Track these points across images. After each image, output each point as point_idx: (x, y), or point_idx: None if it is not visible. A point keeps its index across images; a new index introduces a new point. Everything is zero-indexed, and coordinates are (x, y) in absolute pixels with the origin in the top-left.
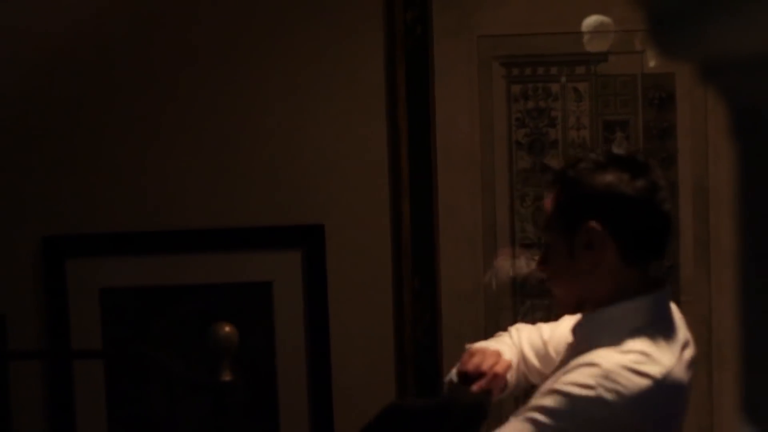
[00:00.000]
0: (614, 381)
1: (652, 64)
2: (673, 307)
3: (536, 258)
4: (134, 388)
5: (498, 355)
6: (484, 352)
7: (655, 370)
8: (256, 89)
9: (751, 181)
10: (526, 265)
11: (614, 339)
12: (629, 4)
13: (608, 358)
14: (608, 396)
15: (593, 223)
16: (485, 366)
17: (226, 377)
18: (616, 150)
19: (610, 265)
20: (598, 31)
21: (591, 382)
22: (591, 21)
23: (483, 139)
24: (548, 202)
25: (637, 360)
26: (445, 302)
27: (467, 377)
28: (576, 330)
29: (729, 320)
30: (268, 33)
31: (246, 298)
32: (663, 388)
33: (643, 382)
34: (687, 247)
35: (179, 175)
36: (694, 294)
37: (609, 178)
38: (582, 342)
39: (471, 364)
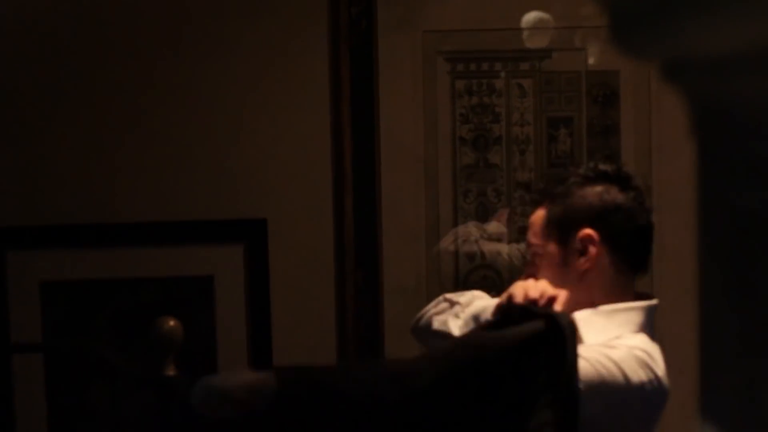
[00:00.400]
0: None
1: (591, 61)
2: None
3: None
4: (75, 383)
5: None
6: (524, 284)
7: (658, 371)
8: (199, 83)
9: (710, 179)
10: (496, 227)
11: (610, 335)
12: (574, 2)
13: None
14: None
15: (587, 230)
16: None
17: (170, 371)
18: (602, 166)
19: (602, 271)
20: (537, 27)
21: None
22: (530, 17)
23: (427, 134)
24: (537, 217)
25: (644, 357)
26: (387, 297)
27: (533, 305)
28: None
29: (669, 319)
30: (211, 26)
31: (188, 292)
32: (663, 389)
33: (651, 377)
34: None
35: (121, 167)
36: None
37: (599, 189)
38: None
39: (531, 294)
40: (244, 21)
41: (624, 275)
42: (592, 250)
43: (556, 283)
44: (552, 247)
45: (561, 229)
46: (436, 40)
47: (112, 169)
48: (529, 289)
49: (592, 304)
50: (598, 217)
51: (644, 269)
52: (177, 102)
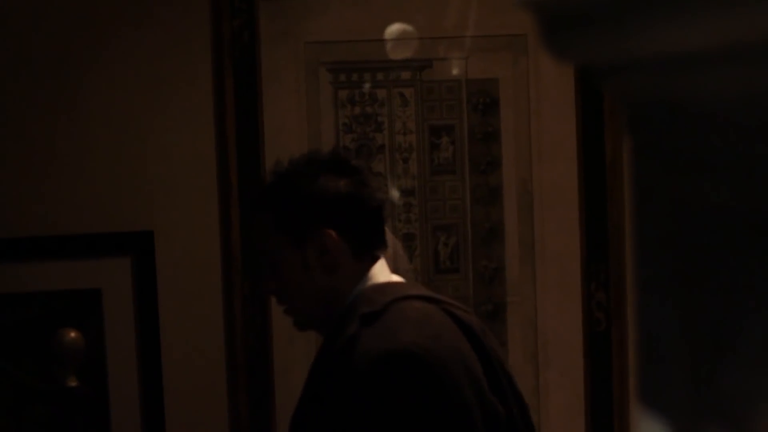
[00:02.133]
0: None
1: (455, 72)
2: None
3: None
4: None
5: None
6: None
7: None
8: (82, 95)
9: (644, 177)
10: None
11: None
12: (450, 11)
13: None
14: None
15: (322, 230)
16: None
17: (72, 383)
18: (316, 154)
19: (345, 265)
20: (400, 38)
21: None
22: (393, 29)
23: (311, 144)
24: (264, 223)
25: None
26: (275, 306)
27: None
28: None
29: (554, 320)
30: (97, 38)
31: (75, 305)
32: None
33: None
34: (512, 249)
35: (6, 183)
36: (519, 295)
37: (320, 182)
38: None
39: None
40: (127, 33)
41: (364, 258)
42: (331, 247)
43: (303, 286)
44: (289, 251)
45: (293, 231)
46: (318, 51)
47: None
48: None
49: (336, 291)
50: (327, 212)
51: (384, 246)
52: (61, 114)
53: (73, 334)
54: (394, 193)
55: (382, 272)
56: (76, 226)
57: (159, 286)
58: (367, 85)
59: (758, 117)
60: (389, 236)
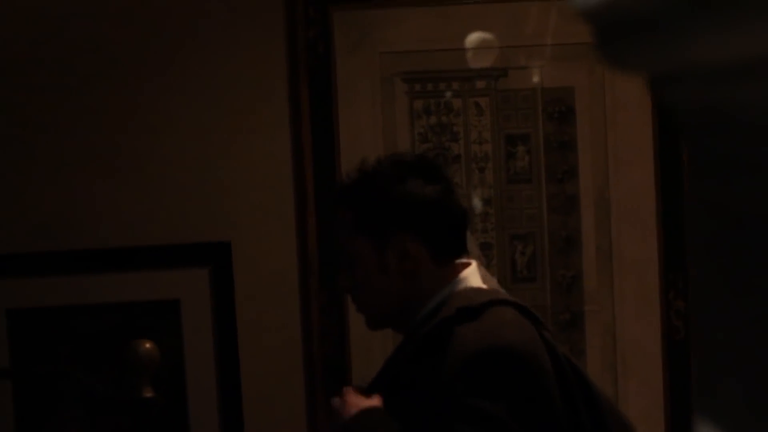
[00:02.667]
0: None
1: (535, 80)
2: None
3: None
4: (44, 410)
5: None
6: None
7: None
8: (161, 107)
9: (702, 186)
10: None
11: None
12: (523, 22)
13: None
14: None
15: (405, 235)
16: None
17: (147, 393)
18: (403, 156)
19: (424, 270)
20: (481, 47)
21: None
22: (474, 37)
23: (387, 154)
24: (345, 221)
25: None
26: (352, 316)
27: None
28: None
29: (632, 328)
30: (173, 51)
31: (154, 316)
32: None
33: None
34: (590, 258)
35: (85, 194)
36: (597, 303)
37: (408, 187)
38: None
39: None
40: (204, 46)
41: (444, 264)
42: (412, 252)
43: (377, 288)
44: (368, 252)
45: (375, 233)
46: (393, 62)
47: (77, 196)
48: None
49: (412, 294)
50: (412, 218)
51: (465, 252)
52: (139, 128)
53: (147, 345)
54: (476, 203)
55: (474, 277)
56: (155, 238)
57: (237, 296)
58: (449, 94)
59: None
60: (472, 245)
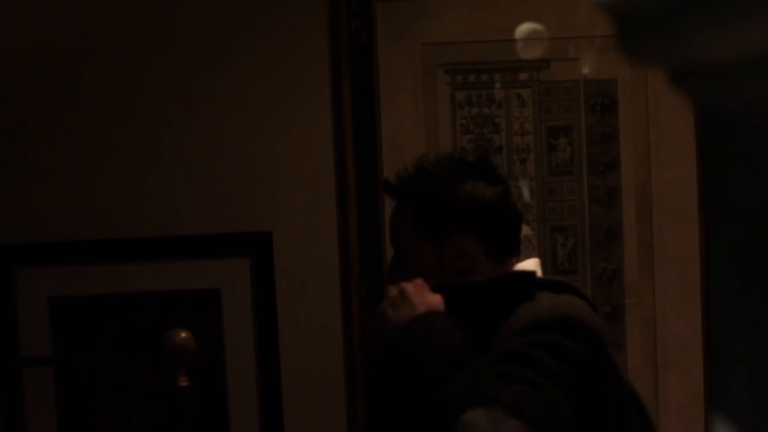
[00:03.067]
0: None
1: (585, 71)
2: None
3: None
4: (85, 397)
5: None
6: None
7: None
8: (202, 98)
9: (718, 183)
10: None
11: None
12: (569, 12)
13: None
14: None
15: (463, 235)
16: None
17: (183, 382)
18: (464, 156)
19: (478, 267)
20: (531, 38)
21: None
22: (524, 28)
23: (428, 145)
24: (402, 214)
25: None
26: None
27: None
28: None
29: (673, 322)
30: (213, 42)
31: (194, 305)
32: None
33: None
34: (631, 251)
35: (126, 183)
36: (638, 297)
37: (469, 187)
38: None
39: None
40: (245, 36)
41: (500, 263)
42: (469, 252)
43: (428, 281)
44: (424, 249)
45: (433, 231)
46: (435, 53)
47: (119, 185)
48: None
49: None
50: (471, 218)
51: (518, 253)
52: (180, 118)
53: (183, 334)
54: (526, 193)
55: (536, 269)
56: (196, 227)
57: (277, 287)
58: (497, 85)
59: None
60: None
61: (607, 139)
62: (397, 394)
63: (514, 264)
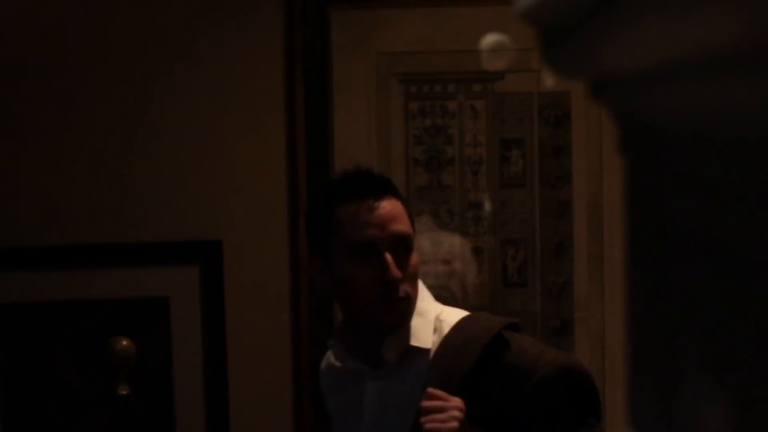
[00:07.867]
0: None
1: (549, 83)
2: None
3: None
4: (29, 404)
5: None
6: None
7: None
8: (152, 104)
9: (638, 195)
10: None
11: None
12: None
13: None
14: None
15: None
16: None
17: (123, 391)
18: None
19: None
20: (495, 49)
21: None
22: (489, 40)
23: (381, 155)
24: (398, 207)
25: None
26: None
27: None
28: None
29: (622, 336)
30: (166, 47)
31: (143, 313)
32: None
33: None
34: (581, 265)
35: (74, 189)
36: (587, 310)
37: None
38: None
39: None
40: (199, 43)
41: None
42: None
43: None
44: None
45: (412, 224)
46: (390, 62)
47: (67, 191)
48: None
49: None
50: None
51: None
52: (133, 124)
53: (125, 342)
54: (487, 205)
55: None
56: (145, 235)
57: (226, 295)
58: (451, 96)
59: (734, 134)
60: (465, 249)
61: (560, 153)
62: None
63: None
